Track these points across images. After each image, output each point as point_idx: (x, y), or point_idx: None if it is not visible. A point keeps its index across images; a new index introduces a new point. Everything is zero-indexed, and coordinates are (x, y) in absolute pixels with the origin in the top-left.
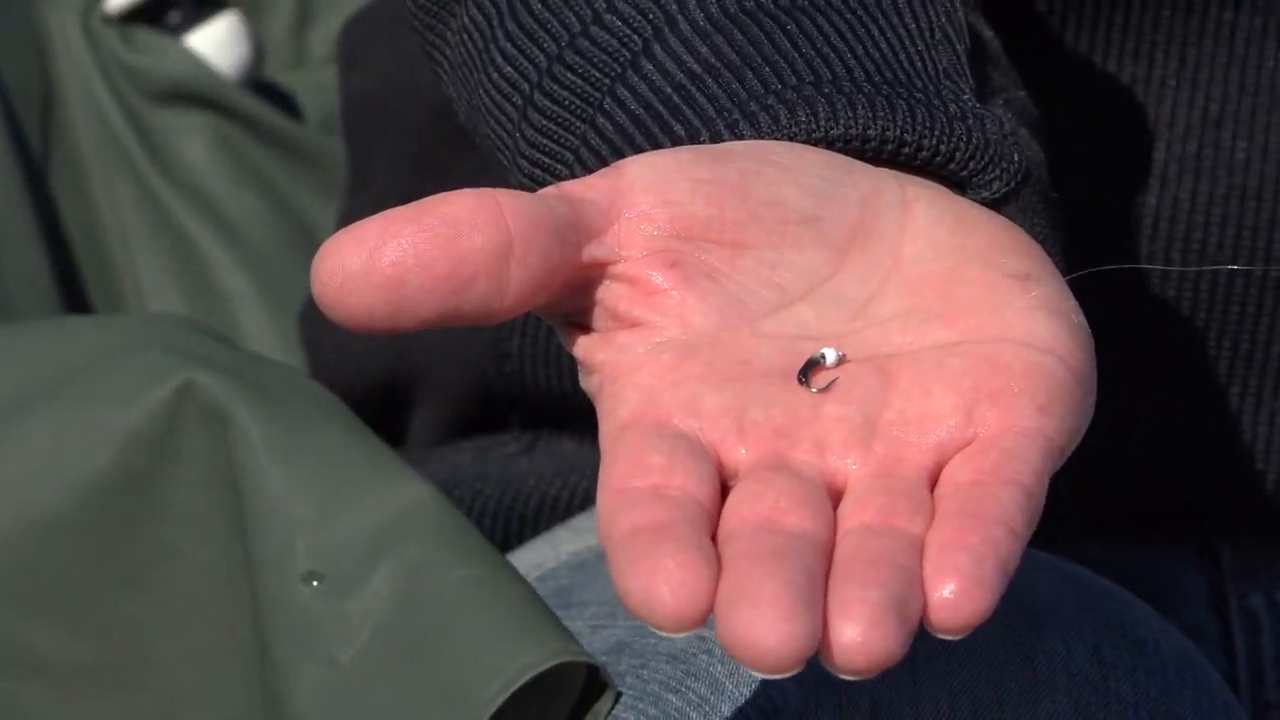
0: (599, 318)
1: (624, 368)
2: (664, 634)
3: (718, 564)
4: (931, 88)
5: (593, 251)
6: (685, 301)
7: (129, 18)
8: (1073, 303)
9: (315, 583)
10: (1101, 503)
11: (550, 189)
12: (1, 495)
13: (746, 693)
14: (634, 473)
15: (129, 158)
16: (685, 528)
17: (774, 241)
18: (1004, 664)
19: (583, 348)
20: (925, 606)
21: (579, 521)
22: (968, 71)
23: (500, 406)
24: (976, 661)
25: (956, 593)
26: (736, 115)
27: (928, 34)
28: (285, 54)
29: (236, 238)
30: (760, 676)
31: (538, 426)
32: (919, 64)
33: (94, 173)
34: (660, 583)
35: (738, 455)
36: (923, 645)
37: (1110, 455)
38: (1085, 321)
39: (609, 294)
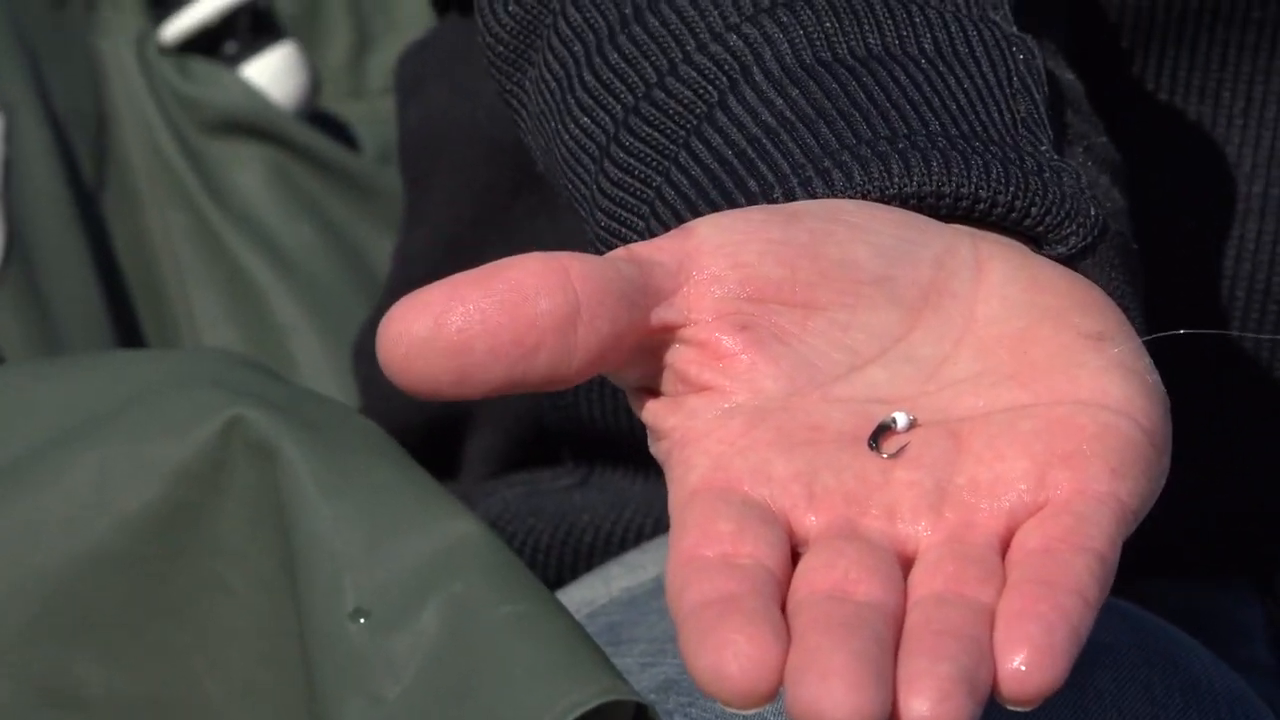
0: (668, 382)
1: (693, 433)
2: (734, 711)
3: (787, 637)
4: (1009, 139)
5: (662, 314)
6: (755, 365)
7: (185, 47)
8: (1148, 361)
9: (362, 619)
10: (1157, 538)
11: (619, 251)
12: (49, 529)
13: None
14: (703, 541)
15: (183, 187)
16: (754, 599)
17: (846, 302)
18: (1053, 703)
19: (652, 413)
20: (995, 677)
21: (632, 557)
22: (1046, 121)
23: (554, 439)
24: None
25: (1027, 663)
26: (810, 171)
27: (1005, 83)
28: (342, 84)
29: (291, 268)
30: None
31: (591, 460)
32: (996, 115)
33: (147, 201)
34: (729, 658)
35: (808, 522)
36: None
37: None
38: (1160, 381)
39: (678, 358)
